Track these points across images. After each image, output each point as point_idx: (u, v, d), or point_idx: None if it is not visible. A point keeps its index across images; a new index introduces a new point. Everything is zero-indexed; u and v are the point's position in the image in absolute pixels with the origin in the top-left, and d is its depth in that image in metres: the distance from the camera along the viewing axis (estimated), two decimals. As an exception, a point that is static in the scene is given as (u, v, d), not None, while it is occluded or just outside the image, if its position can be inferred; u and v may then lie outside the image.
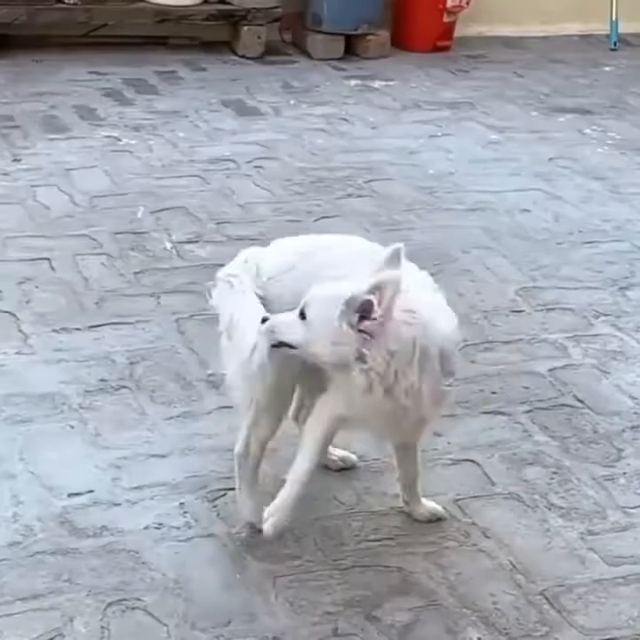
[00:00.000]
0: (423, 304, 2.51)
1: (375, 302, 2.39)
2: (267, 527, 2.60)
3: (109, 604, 2.50)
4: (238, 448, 2.74)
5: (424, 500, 2.86)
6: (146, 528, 2.75)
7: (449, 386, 2.56)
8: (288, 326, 2.48)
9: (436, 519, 2.85)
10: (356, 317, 2.41)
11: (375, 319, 2.40)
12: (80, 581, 2.56)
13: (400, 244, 2.48)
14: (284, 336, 2.49)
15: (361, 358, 2.43)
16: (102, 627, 2.44)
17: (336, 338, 2.43)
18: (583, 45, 7.74)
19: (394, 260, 2.46)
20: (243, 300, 2.60)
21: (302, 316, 2.48)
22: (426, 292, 2.59)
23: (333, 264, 2.60)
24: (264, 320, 2.51)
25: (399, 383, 2.45)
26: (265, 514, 2.62)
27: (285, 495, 2.61)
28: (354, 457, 3.02)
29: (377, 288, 2.39)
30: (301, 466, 2.60)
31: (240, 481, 2.76)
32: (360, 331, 2.42)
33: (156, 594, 2.55)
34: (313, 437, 2.62)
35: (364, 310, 2.40)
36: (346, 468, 2.99)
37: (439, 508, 2.87)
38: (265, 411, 2.68)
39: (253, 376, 2.58)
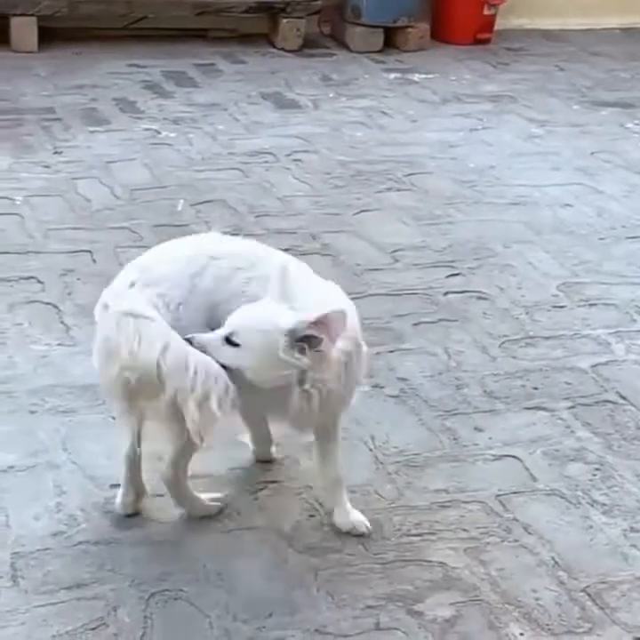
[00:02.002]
0: (351, 320, 2.55)
1: (322, 335, 2.43)
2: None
3: (152, 594, 2.51)
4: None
5: (351, 510, 2.76)
6: (188, 519, 2.75)
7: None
8: (216, 349, 2.48)
9: (356, 534, 2.73)
10: (298, 347, 2.45)
11: (321, 350, 2.45)
12: (123, 571, 2.57)
13: (284, 267, 2.52)
14: (217, 358, 2.48)
15: (301, 382, 2.49)
16: (145, 616, 2.45)
17: (277, 365, 2.46)
18: (624, 38, 7.69)
19: (283, 276, 2.50)
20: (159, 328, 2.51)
21: (231, 343, 2.47)
22: (318, 293, 2.61)
23: (227, 277, 2.61)
24: (189, 340, 2.48)
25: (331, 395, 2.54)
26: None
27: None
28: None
29: (322, 323, 2.43)
30: None
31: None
32: (302, 356, 2.45)
33: (198, 585, 2.56)
34: None
35: (310, 342, 2.44)
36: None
37: (363, 522, 2.74)
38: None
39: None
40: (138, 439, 2.64)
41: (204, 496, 2.78)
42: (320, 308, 2.47)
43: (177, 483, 2.70)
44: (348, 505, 2.76)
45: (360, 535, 2.73)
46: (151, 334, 2.47)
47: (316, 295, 2.59)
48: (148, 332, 2.47)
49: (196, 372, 2.44)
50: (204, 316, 2.59)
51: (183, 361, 2.45)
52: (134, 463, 2.72)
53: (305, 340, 2.44)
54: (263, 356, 2.46)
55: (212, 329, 2.54)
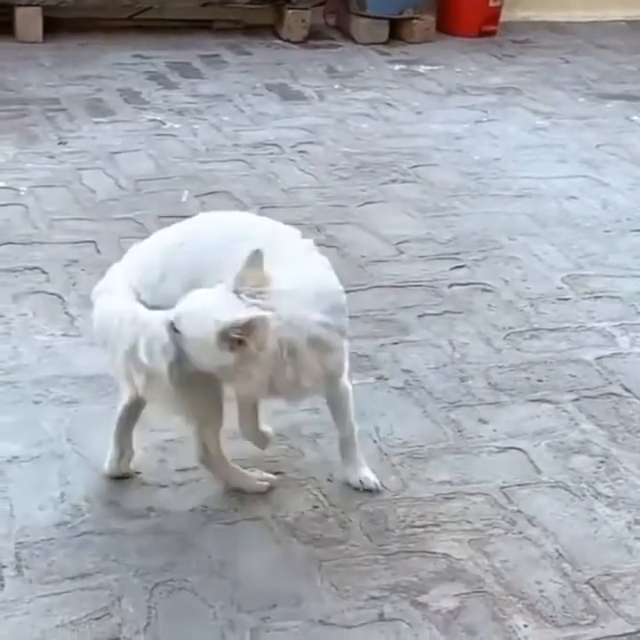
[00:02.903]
0: (284, 298, 2.50)
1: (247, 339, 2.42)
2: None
3: (156, 585, 2.51)
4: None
5: (361, 466, 2.87)
6: (192, 510, 2.76)
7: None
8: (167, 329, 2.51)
9: (365, 488, 2.85)
10: (228, 345, 2.43)
11: (247, 351, 2.44)
12: (127, 562, 2.57)
13: (259, 249, 2.47)
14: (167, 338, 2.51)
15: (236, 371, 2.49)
16: (149, 607, 2.45)
17: (214, 355, 2.46)
18: (629, 31, 7.67)
19: (255, 261, 2.47)
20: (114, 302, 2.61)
21: (174, 330, 2.48)
22: (292, 272, 2.57)
23: (207, 250, 2.63)
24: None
25: (279, 379, 2.54)
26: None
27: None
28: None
29: (248, 328, 2.41)
30: None
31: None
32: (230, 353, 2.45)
33: (202, 575, 2.56)
34: None
35: (238, 342, 2.43)
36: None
37: (372, 478, 2.86)
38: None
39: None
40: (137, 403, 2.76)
41: (256, 474, 2.84)
42: (275, 297, 2.46)
43: (212, 462, 2.76)
44: (360, 461, 2.86)
45: (369, 491, 2.83)
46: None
47: (293, 276, 2.55)
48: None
49: (120, 322, 2.51)
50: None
51: (107, 313, 2.56)
52: (127, 423, 2.81)
53: (233, 339, 2.43)
54: (199, 346, 2.47)
55: None
